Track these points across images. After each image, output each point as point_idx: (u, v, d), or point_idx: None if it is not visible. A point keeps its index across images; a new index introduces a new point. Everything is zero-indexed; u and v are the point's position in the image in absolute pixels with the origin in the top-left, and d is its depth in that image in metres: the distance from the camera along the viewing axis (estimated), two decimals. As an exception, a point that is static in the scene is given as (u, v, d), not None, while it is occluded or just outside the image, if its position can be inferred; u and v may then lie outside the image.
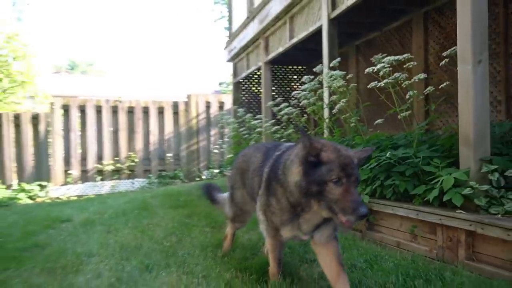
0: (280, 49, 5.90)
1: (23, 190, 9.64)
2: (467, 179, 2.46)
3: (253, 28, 6.72)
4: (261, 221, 2.34)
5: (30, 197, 9.51)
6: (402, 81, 2.96)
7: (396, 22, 5.90)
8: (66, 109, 10.43)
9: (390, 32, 6.14)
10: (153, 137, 11.02)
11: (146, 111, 11.04)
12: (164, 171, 10.95)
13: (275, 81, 7.90)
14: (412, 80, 2.96)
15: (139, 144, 10.92)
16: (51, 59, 60.34)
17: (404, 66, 3.01)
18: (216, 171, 10.84)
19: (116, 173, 10.63)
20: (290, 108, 4.56)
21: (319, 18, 4.67)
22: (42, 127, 10.31)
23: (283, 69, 8.01)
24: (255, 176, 2.47)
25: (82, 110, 10.56)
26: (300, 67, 8.03)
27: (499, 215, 2.29)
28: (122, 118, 10.82)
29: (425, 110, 5.11)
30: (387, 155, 2.93)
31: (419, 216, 2.73)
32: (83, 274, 2.70)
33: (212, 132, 11.39)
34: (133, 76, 36.72)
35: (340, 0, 4.27)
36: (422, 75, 2.98)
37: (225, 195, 3.14)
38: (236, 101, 8.40)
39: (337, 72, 3.62)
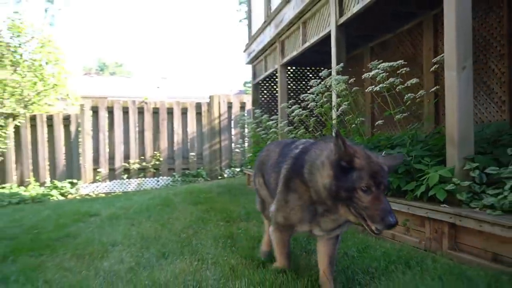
0: (294, 53, 6.17)
1: (55, 187, 10.22)
2: (451, 176, 2.69)
3: (270, 32, 7.00)
4: (274, 216, 2.35)
5: (62, 194, 10.07)
6: (396, 85, 3.19)
7: (408, 25, 6.07)
8: (95, 110, 10.96)
9: (403, 34, 6.31)
10: (177, 137, 11.44)
11: (170, 111, 11.47)
12: (187, 170, 11.36)
13: (293, 82, 8.16)
14: (406, 84, 3.18)
15: (163, 143, 11.36)
16: (81, 61, 62.20)
17: (398, 72, 3.23)
18: (238, 169, 11.18)
19: (142, 171, 11.10)
20: (300, 109, 4.83)
21: (328, 24, 4.92)
22: (73, 128, 10.88)
23: (300, 70, 8.25)
24: (272, 172, 2.49)
25: (110, 111, 11.07)
26: (317, 68, 8.26)
27: (478, 209, 2.51)
28: (148, 118, 11.28)
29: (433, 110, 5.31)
30: (382, 154, 3.17)
31: (410, 210, 2.97)
32: (107, 260, 3.05)
33: (234, 131, 11.73)
34: (161, 76, 37.35)
35: (347, 7, 4.51)
36: (414, 80, 3.19)
37: None
38: (254, 102, 8.70)
39: (340, 77, 3.87)
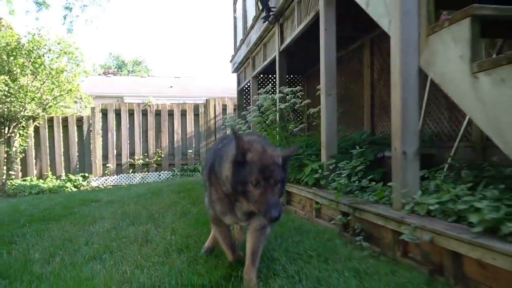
0: (259, 68, 7.47)
1: (69, 180, 11.70)
2: (319, 168, 3.96)
3: (245, 49, 8.30)
4: (208, 210, 2.50)
5: (75, 186, 11.54)
6: (295, 105, 4.48)
7: (354, 44, 7.28)
8: (104, 112, 12.42)
9: (352, 52, 7.53)
10: (177, 136, 12.83)
11: (171, 113, 12.86)
12: (186, 165, 12.75)
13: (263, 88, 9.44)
14: (302, 103, 4.47)
15: (165, 142, 12.76)
16: (100, 60, 64.10)
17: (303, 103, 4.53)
18: (230, 165, 12.48)
19: (146, 166, 12.52)
20: (256, 115, 6.12)
21: (275, 49, 6.20)
22: (85, 128, 12.36)
23: (268, 77, 9.39)
24: (205, 169, 2.58)
25: (118, 113, 12.51)
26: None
27: (330, 190, 3.78)
28: (151, 119, 12.70)
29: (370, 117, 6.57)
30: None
31: (301, 192, 4.26)
32: (94, 226, 4.39)
33: (228, 131, 13.05)
34: (174, 75, 38.69)
35: (284, 37, 5.80)
36: (306, 101, 4.48)
37: None
38: (239, 107, 9.99)
39: (266, 95, 5.17)
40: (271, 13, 5.71)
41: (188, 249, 3.08)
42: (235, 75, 10.29)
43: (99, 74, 46.28)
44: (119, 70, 60.78)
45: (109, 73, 45.88)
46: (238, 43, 9.77)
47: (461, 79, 2.18)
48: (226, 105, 13.14)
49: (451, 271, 2.05)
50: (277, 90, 5.75)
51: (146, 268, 2.59)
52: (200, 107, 13.09)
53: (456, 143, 2.89)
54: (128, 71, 61.53)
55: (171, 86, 33.23)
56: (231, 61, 10.39)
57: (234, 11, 10.23)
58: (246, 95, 9.90)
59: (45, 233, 4.08)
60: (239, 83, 10.11)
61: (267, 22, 5.93)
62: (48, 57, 11.81)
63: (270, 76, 9.27)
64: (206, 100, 13.27)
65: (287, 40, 5.63)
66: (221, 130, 13.01)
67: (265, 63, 6.98)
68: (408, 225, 2.32)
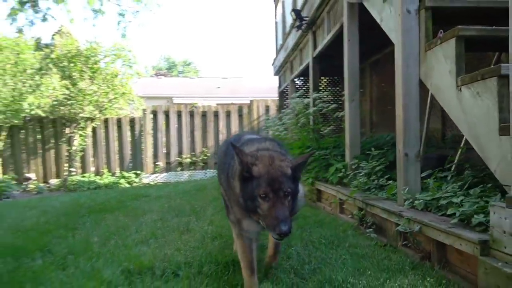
0: (296, 72, 7.87)
1: (123, 177, 12.59)
2: (342, 168, 4.33)
3: (283, 54, 8.73)
4: (229, 217, 2.42)
5: (128, 182, 12.41)
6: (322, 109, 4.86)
7: (387, 49, 7.51)
8: (154, 114, 13.23)
9: (387, 55, 7.75)
10: (222, 136, 13.42)
11: (216, 114, 13.49)
12: (230, 164, 13.31)
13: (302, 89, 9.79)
14: (329, 108, 4.84)
15: (210, 141, 13.40)
16: (151, 61, 66.48)
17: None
18: (272, 163, 12.94)
19: (193, 164, 13.22)
20: (290, 117, 6.52)
21: (309, 55, 6.58)
22: (137, 128, 13.23)
23: (307, 80, 9.69)
24: (221, 172, 2.49)
25: (167, 114, 13.29)
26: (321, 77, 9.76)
27: (351, 188, 4.14)
28: (197, 120, 13.38)
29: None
30: (316, 154, 4.85)
31: (327, 190, 4.64)
32: (143, 218, 4.99)
33: (270, 131, 13.51)
34: (222, 76, 39.53)
35: (317, 44, 6.17)
36: (333, 106, 4.84)
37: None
38: (280, 108, 10.43)
39: (298, 99, 5.57)
40: (303, 22, 6.10)
41: (221, 237, 3.55)
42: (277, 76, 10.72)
43: (151, 76, 48.11)
44: (169, 71, 62.79)
45: (159, 75, 47.59)
46: (278, 47, 10.21)
47: (450, 91, 2.51)
48: (268, 106, 13.59)
49: (436, 257, 2.39)
50: (310, 94, 6.14)
51: (184, 251, 3.09)
52: (244, 108, 13.63)
53: (461, 144, 3.17)
54: (178, 72, 63.51)
55: (219, 87, 34.03)
56: (272, 64, 10.85)
57: (275, 16, 10.67)
58: (286, 97, 10.31)
59: (101, 222, 4.71)
60: (280, 85, 10.55)
61: (300, 30, 6.33)
62: (104, 62, 12.75)
63: (307, 78, 9.62)
64: (250, 101, 13.80)
65: (319, 47, 6.00)
66: (263, 131, 13.48)
67: (301, 67, 7.38)
68: (403, 218, 2.67)
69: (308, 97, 5.94)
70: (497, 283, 1.76)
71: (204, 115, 13.46)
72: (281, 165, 1.93)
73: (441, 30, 2.74)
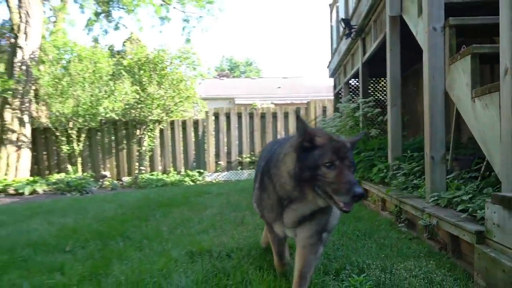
0: (348, 76, 8.19)
1: (188, 175, 13.47)
2: (384, 168, 4.67)
3: (337, 57, 9.07)
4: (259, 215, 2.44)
5: (192, 180, 13.26)
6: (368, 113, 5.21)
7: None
8: (216, 116, 14.02)
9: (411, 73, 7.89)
10: (280, 136, 13.94)
11: (274, 115, 14.03)
12: (288, 163, 13.80)
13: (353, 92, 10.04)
14: (373, 112, 5.18)
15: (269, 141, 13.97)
16: (214, 62, 68.32)
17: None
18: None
19: (252, 164, 13.83)
20: (340, 120, 6.89)
21: (359, 61, 6.91)
22: (200, 130, 14.09)
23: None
24: (257, 175, 2.43)
25: (228, 116, 14.03)
26: (373, 78, 9.94)
27: (392, 187, 4.47)
28: (257, 121, 14.00)
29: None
30: (361, 155, 5.22)
31: (371, 189, 4.99)
32: (205, 212, 5.62)
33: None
34: (282, 76, 40.00)
35: (366, 51, 6.48)
36: (377, 110, 5.17)
37: None
38: (335, 109, 10.74)
39: (346, 104, 5.93)
40: (352, 30, 6.44)
41: (270, 229, 4.06)
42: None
43: (214, 77, 49.70)
44: (232, 71, 64.32)
45: (222, 76, 49.09)
46: (333, 50, 10.53)
47: (466, 101, 2.84)
48: (325, 107, 13.91)
49: (451, 247, 2.74)
50: (360, 97, 6.48)
51: (237, 239, 3.63)
52: (301, 109, 14.05)
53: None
54: (240, 72, 64.85)
55: (279, 87, 34.53)
56: (327, 67, 11.18)
57: (330, 20, 11.00)
58: (340, 98, 10.61)
59: (169, 215, 5.39)
60: (335, 87, 10.87)
61: (349, 38, 6.68)
62: (170, 69, 13.71)
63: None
64: (307, 102, 14.20)
65: (368, 53, 6.33)
66: (326, 130, 13.81)
67: (353, 71, 7.70)
68: (425, 213, 3.03)
69: (355, 101, 6.29)
70: (485, 265, 2.11)
71: (263, 116, 14.05)
72: (340, 139, 2.00)
73: (464, 46, 3.06)
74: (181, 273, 2.55)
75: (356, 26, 6.39)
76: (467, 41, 3.00)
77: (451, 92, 3.16)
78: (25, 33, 13.29)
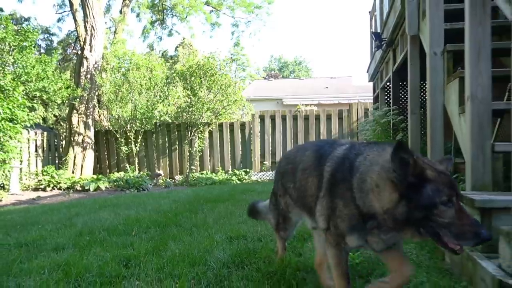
0: (383, 82, 8.70)
1: (235, 174, 14.37)
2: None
3: (374, 64, 9.58)
4: (322, 228, 2.06)
5: (239, 179, 14.12)
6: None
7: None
8: (262, 118, 14.83)
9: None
10: (322, 137, 14.52)
11: (317, 117, 14.64)
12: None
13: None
14: (397, 120, 5.73)
15: (312, 143, 14.57)
16: (263, 63, 69.22)
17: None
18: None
19: (296, 164, 14.51)
20: (371, 125, 7.44)
21: (390, 70, 7.44)
22: (246, 131, 14.96)
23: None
24: (308, 176, 2.18)
25: (273, 118, 14.80)
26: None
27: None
28: (300, 123, 14.66)
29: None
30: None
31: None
32: (246, 207, 6.39)
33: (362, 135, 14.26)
34: (330, 76, 40.20)
35: (396, 61, 7.01)
36: (400, 117, 5.71)
37: (266, 202, 3.04)
38: (366, 114, 11.23)
39: (374, 111, 6.48)
40: (383, 43, 6.99)
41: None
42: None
43: (264, 77, 50.64)
44: (281, 71, 64.95)
45: (270, 77, 49.94)
46: (371, 56, 11.01)
47: (456, 116, 3.42)
48: (367, 109, 14.31)
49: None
50: (391, 103, 7.01)
51: (269, 228, 4.35)
52: (343, 111, 14.57)
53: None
54: (289, 71, 65.36)
55: (327, 87, 34.79)
56: (367, 71, 11.67)
57: (370, 26, 11.48)
58: (377, 102, 11.09)
59: (215, 209, 6.22)
60: (374, 91, 11.34)
61: (380, 49, 7.23)
62: (219, 75, 14.65)
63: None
64: (350, 104, 14.69)
65: (397, 63, 6.87)
66: (361, 133, 14.27)
67: (386, 78, 8.22)
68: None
69: (380, 109, 6.84)
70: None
71: (306, 118, 14.70)
72: (441, 167, 1.74)
73: (459, 68, 3.64)
74: (220, 250, 3.32)
75: (386, 39, 6.94)
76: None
77: (448, 108, 3.73)
78: (90, 45, 14.72)
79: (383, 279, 2.12)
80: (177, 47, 31.75)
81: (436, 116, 3.83)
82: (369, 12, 11.57)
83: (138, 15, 23.22)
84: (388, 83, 8.83)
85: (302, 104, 25.14)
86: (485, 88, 2.74)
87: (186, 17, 22.14)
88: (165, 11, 23.83)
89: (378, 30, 9.90)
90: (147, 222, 4.97)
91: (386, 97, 9.14)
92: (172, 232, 4.32)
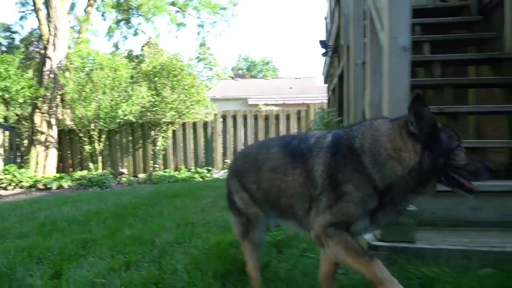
0: (332, 86, 9.38)
1: (197, 172, 14.76)
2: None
3: (326, 68, 10.27)
4: (324, 223, 1.85)
5: (201, 177, 14.52)
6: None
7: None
8: (224, 118, 15.34)
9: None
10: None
11: (277, 117, 15.28)
12: (289, 161, 15.04)
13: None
14: (336, 120, 6.38)
15: (272, 141, 15.21)
16: (231, 62, 69.61)
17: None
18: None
19: (256, 162, 15.10)
20: (318, 125, 8.10)
21: (336, 75, 8.09)
22: (209, 131, 15.43)
23: None
24: (284, 176, 2.04)
25: (234, 118, 15.34)
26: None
27: None
28: (260, 123, 15.26)
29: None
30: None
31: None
32: (202, 201, 6.89)
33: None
34: (294, 76, 40.98)
35: (340, 66, 7.67)
36: (339, 118, 6.37)
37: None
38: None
39: (320, 112, 7.13)
40: (328, 50, 7.65)
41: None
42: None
43: (231, 77, 51.08)
44: (249, 71, 65.53)
45: (238, 76, 50.49)
46: (324, 60, 11.73)
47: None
48: (324, 109, 15.07)
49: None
50: (337, 105, 7.66)
51: (216, 216, 4.88)
52: (302, 111, 15.27)
53: None
54: (257, 71, 66.02)
55: (291, 87, 35.57)
56: (322, 73, 12.39)
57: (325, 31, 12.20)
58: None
59: (172, 203, 6.66)
60: (327, 92, 12.07)
61: (326, 56, 7.89)
62: (183, 75, 15.04)
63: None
64: (307, 105, 15.43)
65: (340, 69, 7.53)
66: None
67: (334, 81, 8.90)
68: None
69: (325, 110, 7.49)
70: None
71: (267, 118, 15.31)
72: None
73: (375, 76, 4.27)
74: (168, 234, 3.84)
75: (331, 46, 7.59)
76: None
77: (365, 110, 4.37)
78: (54, 44, 14.84)
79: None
80: (143, 46, 31.81)
81: (358, 118, 4.45)
82: (325, 18, 12.29)
83: (103, 14, 23.26)
84: (335, 86, 9.53)
85: (267, 104, 25.84)
86: (402, 91, 3.35)
87: (151, 17, 22.37)
88: (130, 10, 23.95)
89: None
90: (106, 214, 5.41)
91: (334, 99, 9.84)
92: (128, 221, 4.80)
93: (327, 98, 12.17)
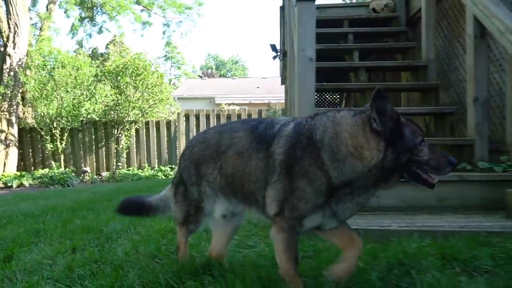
0: (285, 86, 9.86)
1: (161, 170, 14.99)
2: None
3: (281, 69, 10.75)
4: (272, 214, 1.92)
5: (165, 175, 14.75)
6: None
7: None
8: (187, 117, 15.65)
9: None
10: (244, 135, 15.62)
11: (239, 116, 15.68)
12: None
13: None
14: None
15: (234, 140, 15.63)
16: (199, 61, 69.49)
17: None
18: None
19: (219, 160, 15.48)
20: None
21: (286, 77, 8.59)
22: (172, 129, 15.70)
23: None
24: (249, 160, 2.00)
25: (197, 117, 15.67)
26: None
27: None
28: (223, 121, 15.65)
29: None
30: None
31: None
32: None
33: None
34: (262, 76, 41.48)
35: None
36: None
37: (163, 194, 2.79)
38: (286, 110, 12.44)
39: (268, 111, 7.58)
40: (278, 53, 8.11)
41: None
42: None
43: (199, 76, 51.16)
44: (218, 70, 65.75)
45: (206, 75, 50.63)
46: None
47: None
48: (284, 108, 15.63)
49: None
50: (285, 106, 8.13)
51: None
52: (263, 111, 15.76)
53: None
54: (226, 70, 66.31)
55: (258, 87, 36.09)
56: (280, 75, 12.89)
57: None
58: (289, 104, 12.34)
59: (128, 198, 7.01)
60: (284, 93, 12.59)
61: (277, 58, 8.35)
62: (146, 74, 15.23)
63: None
64: (268, 104, 15.95)
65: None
66: (280, 130, 15.55)
67: (286, 83, 9.40)
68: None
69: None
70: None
71: (229, 117, 15.71)
72: None
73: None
74: (117, 223, 4.19)
75: (281, 50, 8.06)
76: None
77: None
78: (14, 42, 14.76)
79: (338, 264, 2.03)
80: (108, 44, 31.66)
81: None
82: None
83: (66, 12, 23.02)
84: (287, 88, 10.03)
85: (234, 103, 26.24)
86: (309, 95, 3.83)
87: (116, 16, 22.36)
88: (94, 8, 23.84)
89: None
90: (62, 209, 5.70)
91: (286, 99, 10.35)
92: (81, 214, 5.11)
93: (284, 99, 12.67)
